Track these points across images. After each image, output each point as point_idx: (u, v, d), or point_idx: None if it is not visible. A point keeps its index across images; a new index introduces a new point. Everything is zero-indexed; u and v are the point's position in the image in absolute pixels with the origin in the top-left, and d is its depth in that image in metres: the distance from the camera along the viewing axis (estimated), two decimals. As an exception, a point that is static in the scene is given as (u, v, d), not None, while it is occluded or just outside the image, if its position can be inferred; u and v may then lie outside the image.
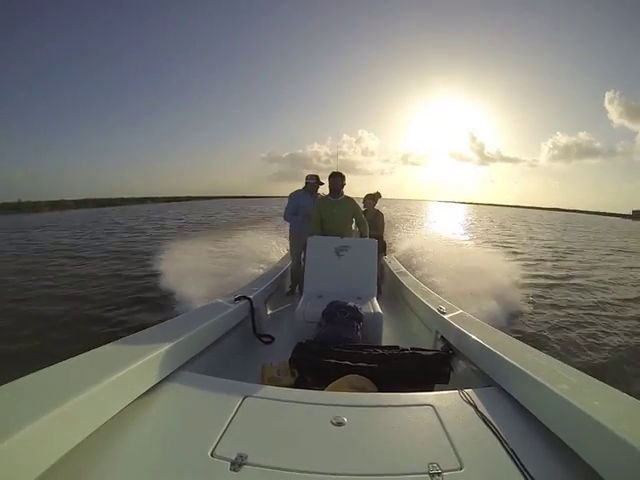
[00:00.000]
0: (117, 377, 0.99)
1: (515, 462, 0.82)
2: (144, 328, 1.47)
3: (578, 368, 1.12)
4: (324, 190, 3.49)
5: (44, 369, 0.98)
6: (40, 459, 0.74)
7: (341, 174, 3.14)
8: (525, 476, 0.77)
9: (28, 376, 0.94)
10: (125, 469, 0.81)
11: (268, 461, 0.82)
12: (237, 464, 0.80)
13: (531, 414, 1.02)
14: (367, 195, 4.17)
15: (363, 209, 3.89)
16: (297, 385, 1.46)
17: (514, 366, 1.14)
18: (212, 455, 0.83)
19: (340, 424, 0.97)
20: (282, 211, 3.72)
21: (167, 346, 1.26)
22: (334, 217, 3.13)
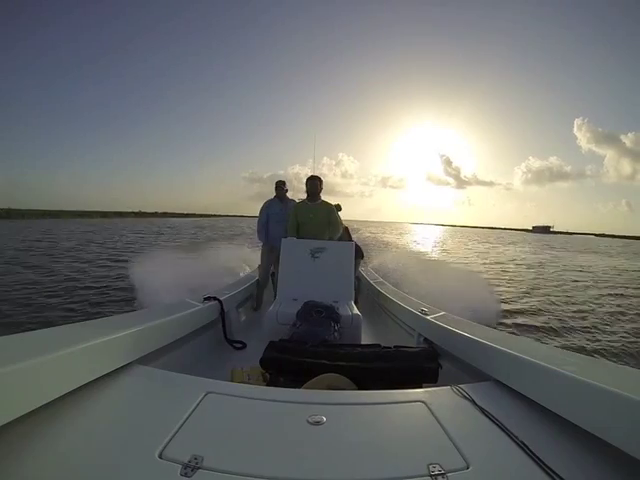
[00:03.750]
0: (54, 358, 0.83)
1: (529, 455, 0.72)
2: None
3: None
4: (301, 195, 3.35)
5: None
6: None
7: (319, 177, 3.04)
8: (543, 468, 0.68)
9: None
10: (50, 466, 0.65)
11: (228, 465, 0.67)
12: (190, 467, 0.65)
13: (536, 403, 0.93)
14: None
15: None
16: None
17: (513, 356, 1.06)
18: (160, 457, 0.68)
19: (318, 423, 0.82)
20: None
21: (120, 334, 1.08)
22: (311, 222, 2.99)
